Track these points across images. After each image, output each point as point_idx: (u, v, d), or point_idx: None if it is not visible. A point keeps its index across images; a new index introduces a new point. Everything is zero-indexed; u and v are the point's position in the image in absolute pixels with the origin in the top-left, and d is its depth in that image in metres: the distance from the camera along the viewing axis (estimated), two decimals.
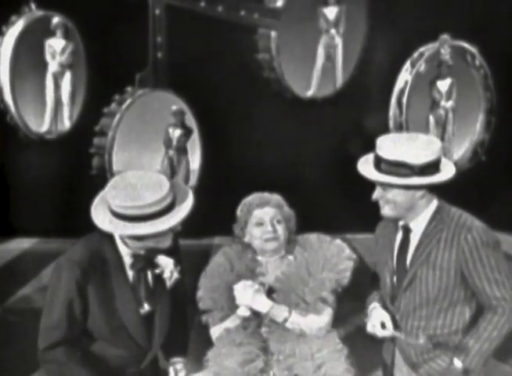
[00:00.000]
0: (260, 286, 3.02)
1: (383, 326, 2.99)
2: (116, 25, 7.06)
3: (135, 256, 2.87)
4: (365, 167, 2.99)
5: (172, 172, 7.62)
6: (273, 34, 7.64)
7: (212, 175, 7.55)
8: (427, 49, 7.81)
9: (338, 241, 3.18)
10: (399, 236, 3.07)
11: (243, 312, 2.99)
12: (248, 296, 2.96)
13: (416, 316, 2.99)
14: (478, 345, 2.89)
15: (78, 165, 7.33)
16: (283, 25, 7.63)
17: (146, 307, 2.96)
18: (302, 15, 7.68)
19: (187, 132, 7.60)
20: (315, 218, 7.56)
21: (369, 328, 3.04)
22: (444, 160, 3.01)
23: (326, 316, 3.05)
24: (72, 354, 2.84)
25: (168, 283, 2.95)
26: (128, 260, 2.88)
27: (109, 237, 2.84)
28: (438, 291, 2.93)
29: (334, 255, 3.08)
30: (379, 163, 2.93)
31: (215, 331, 3.10)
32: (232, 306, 3.03)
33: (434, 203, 3.02)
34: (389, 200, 2.95)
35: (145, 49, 7.36)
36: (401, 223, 3.05)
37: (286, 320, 2.99)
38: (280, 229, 3.13)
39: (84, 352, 2.92)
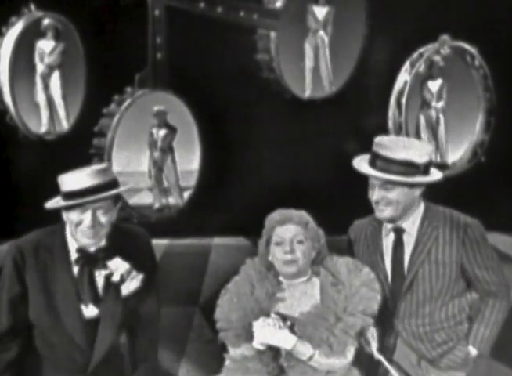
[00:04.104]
0: (282, 321, 2.84)
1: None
2: (115, 26, 7.07)
3: (79, 250, 2.85)
4: (366, 167, 2.99)
5: (159, 172, 7.61)
6: (272, 34, 7.65)
7: (212, 175, 7.54)
8: (427, 50, 7.82)
9: (367, 270, 2.94)
10: (390, 238, 3.09)
11: (258, 346, 2.84)
12: (267, 335, 2.80)
13: (420, 314, 3.06)
14: (488, 331, 3.05)
15: (77, 166, 7.31)
16: (282, 26, 7.63)
17: (92, 308, 2.86)
18: (301, 15, 7.69)
19: (171, 131, 7.59)
20: (315, 218, 7.57)
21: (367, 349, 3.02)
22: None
23: (349, 355, 2.87)
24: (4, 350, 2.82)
25: (124, 291, 2.85)
26: (74, 255, 2.86)
27: (61, 231, 2.92)
28: (442, 286, 3.03)
29: (370, 297, 2.86)
30: (385, 163, 2.94)
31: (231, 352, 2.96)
32: (248, 332, 2.86)
33: (422, 203, 3.09)
34: (392, 201, 2.98)
35: (144, 50, 7.36)
36: (390, 226, 3.07)
37: (311, 358, 2.83)
38: (300, 250, 2.92)
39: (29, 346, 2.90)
